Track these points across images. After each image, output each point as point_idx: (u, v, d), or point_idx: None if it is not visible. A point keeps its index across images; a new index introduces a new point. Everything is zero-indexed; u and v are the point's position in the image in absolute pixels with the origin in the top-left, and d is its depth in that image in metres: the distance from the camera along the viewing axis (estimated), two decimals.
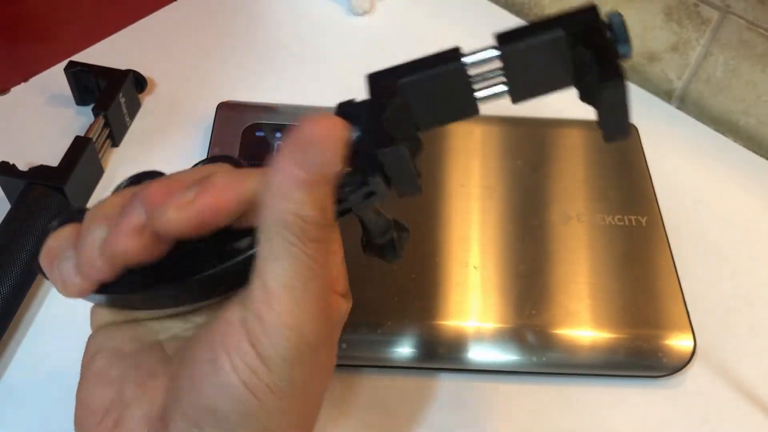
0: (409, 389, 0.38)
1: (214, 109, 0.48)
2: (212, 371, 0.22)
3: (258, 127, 0.47)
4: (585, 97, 0.25)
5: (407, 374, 0.39)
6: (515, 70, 0.24)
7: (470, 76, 0.24)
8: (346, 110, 0.24)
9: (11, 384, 0.38)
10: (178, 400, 0.23)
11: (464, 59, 0.24)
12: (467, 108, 0.25)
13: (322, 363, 0.24)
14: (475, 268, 0.41)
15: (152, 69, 0.53)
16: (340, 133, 0.22)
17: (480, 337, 0.38)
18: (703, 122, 0.54)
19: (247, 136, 0.46)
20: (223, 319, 0.23)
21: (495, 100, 0.25)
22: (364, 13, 0.59)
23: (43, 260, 0.24)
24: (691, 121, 0.54)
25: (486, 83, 0.24)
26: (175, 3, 0.59)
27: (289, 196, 0.21)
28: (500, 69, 0.24)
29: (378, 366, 0.38)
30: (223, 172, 0.23)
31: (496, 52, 0.24)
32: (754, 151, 0.52)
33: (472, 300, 0.40)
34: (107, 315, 0.26)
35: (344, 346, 0.38)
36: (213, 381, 0.22)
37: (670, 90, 0.57)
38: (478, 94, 0.24)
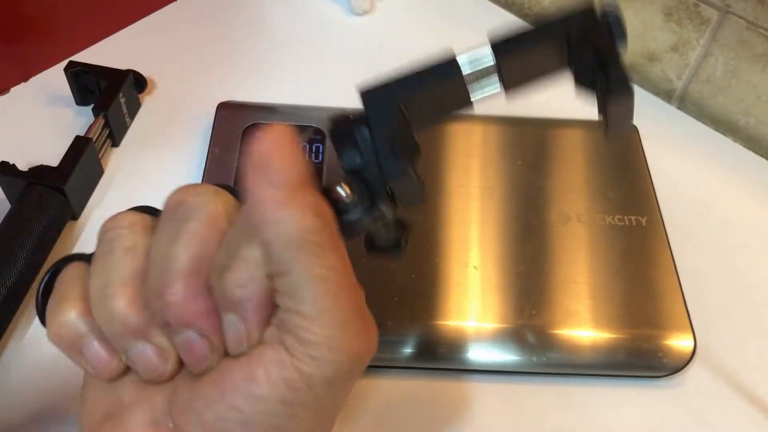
0: (409, 389, 0.38)
1: (214, 109, 0.48)
2: (245, 383, 0.21)
3: (258, 127, 0.47)
4: (582, 82, 0.25)
5: (407, 374, 0.39)
6: (511, 72, 0.24)
7: (467, 82, 0.24)
8: (342, 131, 0.24)
9: (11, 383, 0.37)
10: (193, 408, 0.22)
11: (463, 71, 0.24)
12: (462, 105, 0.25)
13: (360, 372, 0.23)
14: (475, 268, 0.41)
15: (152, 69, 0.53)
16: (286, 137, 0.21)
17: (480, 337, 0.38)
18: (703, 122, 0.54)
19: (247, 136, 0.46)
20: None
21: (489, 100, 0.25)
22: (364, 13, 0.59)
23: (57, 335, 0.23)
24: (691, 121, 0.54)
25: (480, 82, 0.24)
26: (175, 3, 0.59)
27: (281, 218, 0.20)
28: (496, 70, 0.24)
29: (378, 366, 0.38)
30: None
31: (493, 62, 0.24)
32: (754, 151, 0.52)
33: (472, 300, 0.40)
34: None
35: None
36: (246, 392, 0.21)
37: (670, 90, 0.57)
38: (473, 95, 0.25)
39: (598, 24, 0.23)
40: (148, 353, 0.23)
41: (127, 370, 0.24)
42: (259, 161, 0.21)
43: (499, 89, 0.25)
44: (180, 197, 0.23)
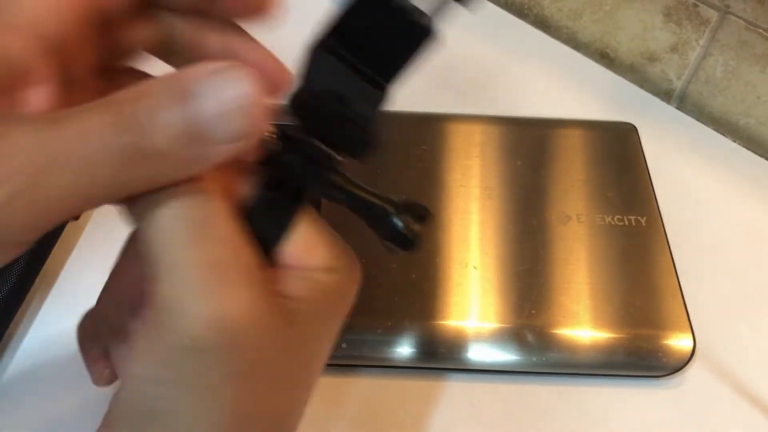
0: (409, 389, 0.38)
1: None
2: None
3: None
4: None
5: (407, 374, 0.39)
6: None
7: None
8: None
9: (11, 384, 0.38)
10: None
11: None
12: None
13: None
14: (474, 268, 0.41)
15: (152, 69, 0.52)
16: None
17: (480, 337, 0.38)
18: (703, 122, 0.54)
19: None
20: None
21: None
22: None
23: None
24: (691, 121, 0.54)
25: None
26: None
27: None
28: None
29: (378, 366, 0.39)
30: None
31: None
32: (754, 152, 0.52)
33: (472, 300, 0.40)
34: None
35: (344, 345, 0.38)
36: None
37: (669, 90, 0.57)
38: None
39: None
40: None
41: None
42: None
43: None
44: None
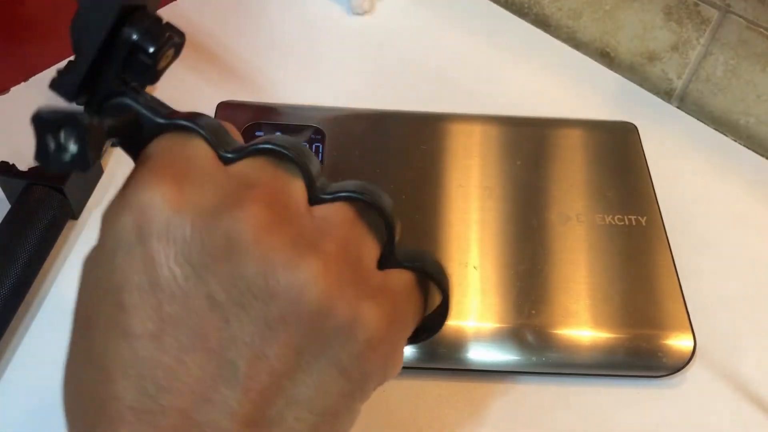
0: (408, 389, 0.38)
1: (214, 109, 0.48)
2: None
3: (258, 127, 0.47)
4: None
5: (406, 374, 0.39)
6: None
7: None
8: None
9: (11, 384, 0.38)
10: None
11: None
12: None
13: None
14: (474, 268, 0.41)
15: None
16: None
17: (479, 337, 0.38)
18: (703, 122, 0.54)
19: (247, 136, 0.46)
20: None
21: None
22: (364, 13, 0.59)
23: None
24: (691, 120, 0.54)
25: None
26: (174, 2, 0.59)
27: None
28: None
29: None
30: None
31: None
32: (755, 151, 0.52)
33: (472, 300, 0.40)
34: None
35: None
36: None
37: (670, 89, 0.57)
38: None
39: None
40: None
41: None
42: None
43: None
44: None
